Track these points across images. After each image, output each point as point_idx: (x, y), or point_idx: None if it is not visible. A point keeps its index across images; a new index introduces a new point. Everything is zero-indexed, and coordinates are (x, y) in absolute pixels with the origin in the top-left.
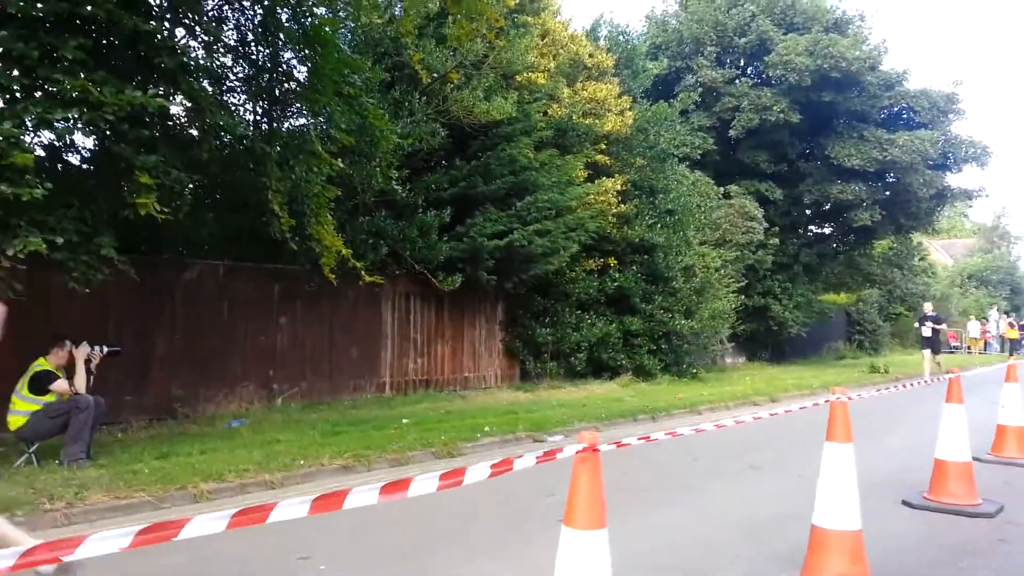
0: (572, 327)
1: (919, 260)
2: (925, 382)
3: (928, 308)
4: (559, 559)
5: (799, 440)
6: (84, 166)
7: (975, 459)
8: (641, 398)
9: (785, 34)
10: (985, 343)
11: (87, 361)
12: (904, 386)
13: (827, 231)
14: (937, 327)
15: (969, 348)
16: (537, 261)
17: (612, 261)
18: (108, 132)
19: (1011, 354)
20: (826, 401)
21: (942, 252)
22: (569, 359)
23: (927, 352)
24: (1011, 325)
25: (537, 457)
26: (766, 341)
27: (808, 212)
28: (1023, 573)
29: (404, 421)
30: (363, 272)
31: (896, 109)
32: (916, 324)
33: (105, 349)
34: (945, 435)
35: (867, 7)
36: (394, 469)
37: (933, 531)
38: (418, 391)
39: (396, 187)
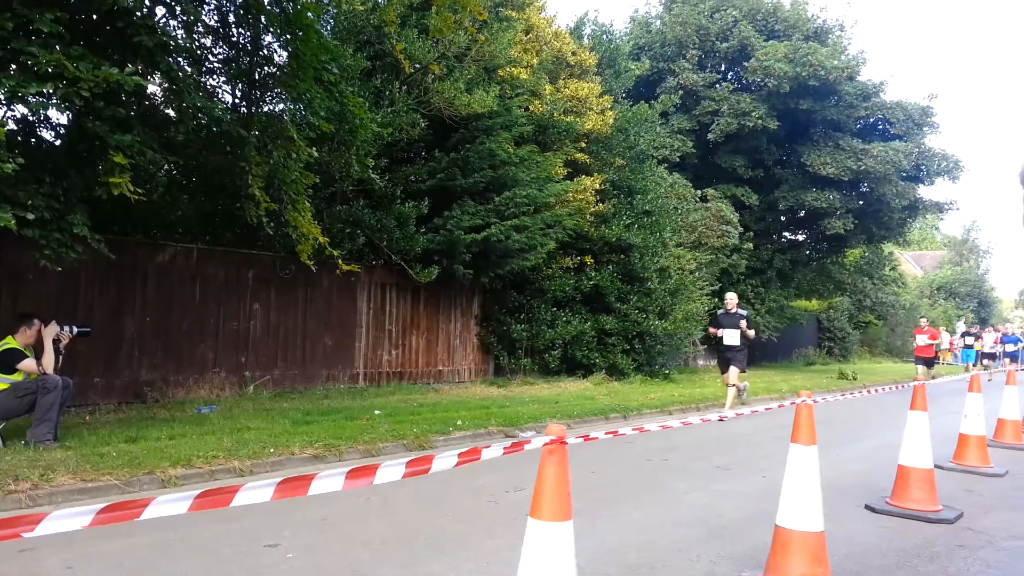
0: (547, 324)
1: (889, 270)
2: (724, 417)
3: (731, 300)
4: (525, 550)
5: (767, 442)
6: (57, 142)
7: (937, 466)
8: (613, 397)
9: (766, 41)
10: (952, 354)
11: (56, 341)
12: (870, 391)
13: (801, 238)
14: (747, 333)
15: (938, 358)
16: (514, 256)
17: (589, 260)
18: (83, 109)
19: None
20: (792, 404)
21: (912, 263)
22: (543, 356)
23: (733, 371)
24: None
25: (505, 448)
26: None
27: (783, 218)
28: None
29: (376, 412)
30: (340, 261)
31: (872, 120)
32: (712, 329)
33: (75, 329)
34: (908, 442)
35: (847, 18)
36: (365, 460)
37: (894, 535)
38: (391, 383)
39: (374, 177)
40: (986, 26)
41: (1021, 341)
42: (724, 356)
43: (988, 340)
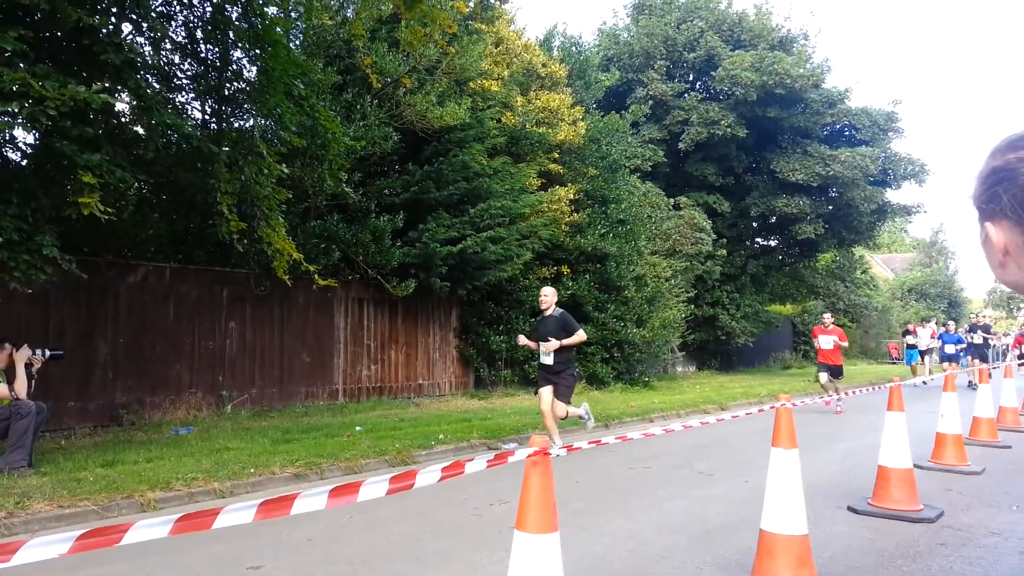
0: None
1: (861, 273)
2: (555, 453)
3: (546, 298)
4: (511, 563)
5: (748, 447)
6: (24, 162)
7: (916, 466)
8: (594, 406)
9: (733, 50)
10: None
11: (28, 365)
12: (847, 393)
13: (773, 243)
14: (570, 344)
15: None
16: (490, 268)
17: (565, 269)
18: (50, 128)
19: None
20: (771, 408)
21: (883, 266)
22: (523, 367)
23: (559, 407)
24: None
25: (488, 461)
26: (715, 350)
27: (755, 224)
28: None
29: (357, 429)
30: (316, 276)
31: (839, 126)
32: (523, 340)
33: (47, 352)
34: (887, 443)
35: (811, 27)
36: (347, 477)
37: (877, 536)
38: (371, 398)
39: (348, 191)
40: (946, 31)
41: (963, 342)
42: (542, 375)
43: (924, 336)
